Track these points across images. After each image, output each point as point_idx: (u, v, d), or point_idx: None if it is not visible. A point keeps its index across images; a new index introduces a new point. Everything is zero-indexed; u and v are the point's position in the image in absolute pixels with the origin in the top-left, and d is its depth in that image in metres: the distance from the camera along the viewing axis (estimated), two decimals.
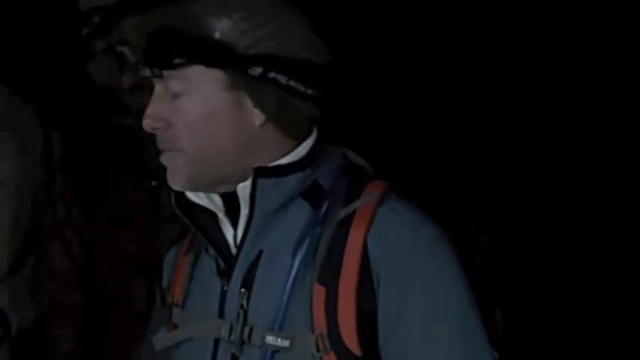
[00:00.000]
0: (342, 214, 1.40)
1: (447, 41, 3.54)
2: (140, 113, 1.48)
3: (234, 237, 1.47)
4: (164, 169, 1.46)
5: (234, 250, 1.46)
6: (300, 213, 1.43)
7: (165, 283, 1.60)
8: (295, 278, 1.39)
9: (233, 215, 1.46)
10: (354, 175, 1.47)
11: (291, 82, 1.42)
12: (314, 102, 1.45)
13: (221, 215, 1.48)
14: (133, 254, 2.21)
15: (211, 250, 1.48)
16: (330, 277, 1.37)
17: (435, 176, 3.33)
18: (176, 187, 1.45)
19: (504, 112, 3.57)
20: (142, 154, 2.15)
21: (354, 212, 1.39)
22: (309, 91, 1.44)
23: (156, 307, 1.63)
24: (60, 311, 2.28)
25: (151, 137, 1.47)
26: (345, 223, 1.39)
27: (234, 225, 1.46)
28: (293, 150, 1.45)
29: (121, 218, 2.21)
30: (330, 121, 1.49)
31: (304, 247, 1.40)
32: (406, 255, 1.37)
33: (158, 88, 1.44)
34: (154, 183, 2.06)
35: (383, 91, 3.48)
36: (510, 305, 1.52)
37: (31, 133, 2.35)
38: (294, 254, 1.40)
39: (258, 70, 1.40)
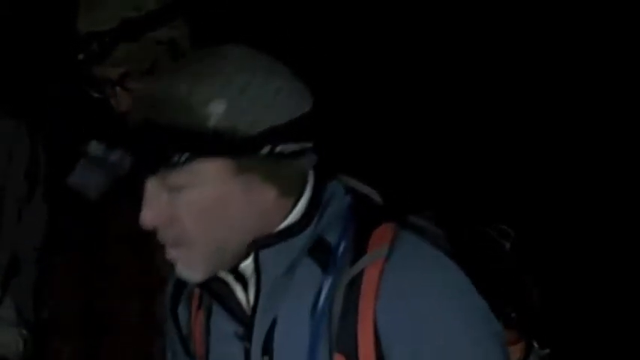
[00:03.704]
0: (351, 274, 1.34)
1: (449, 42, 3.53)
2: None
3: (247, 298, 1.41)
4: None
5: (248, 311, 1.41)
6: (309, 273, 1.37)
7: (184, 332, 1.52)
8: (313, 350, 1.35)
9: (242, 278, 1.40)
10: (360, 219, 1.39)
11: (294, 146, 1.34)
12: (310, 152, 1.37)
13: (230, 280, 1.41)
14: (132, 271, 2.20)
15: (223, 311, 1.42)
16: (348, 345, 1.34)
17: (447, 176, 3.35)
18: (194, 282, 1.38)
19: (510, 112, 3.56)
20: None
21: (361, 273, 1.34)
22: (308, 145, 1.36)
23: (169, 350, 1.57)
24: (60, 326, 2.28)
25: None
26: (354, 288, 1.34)
27: (245, 287, 1.41)
28: (292, 210, 1.38)
29: (121, 236, 2.19)
30: (334, 125, 1.42)
31: (317, 316, 1.35)
32: (415, 326, 1.32)
33: (152, 183, 1.33)
34: None
35: (387, 92, 3.48)
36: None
37: (18, 147, 2.34)
38: (309, 323, 1.35)
39: (266, 149, 1.31)
